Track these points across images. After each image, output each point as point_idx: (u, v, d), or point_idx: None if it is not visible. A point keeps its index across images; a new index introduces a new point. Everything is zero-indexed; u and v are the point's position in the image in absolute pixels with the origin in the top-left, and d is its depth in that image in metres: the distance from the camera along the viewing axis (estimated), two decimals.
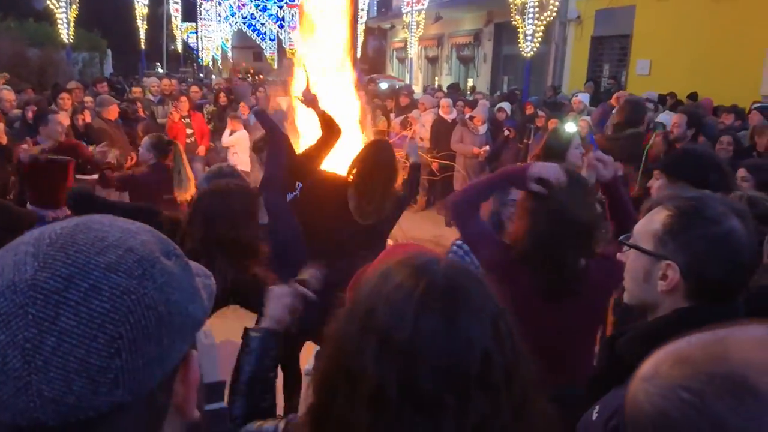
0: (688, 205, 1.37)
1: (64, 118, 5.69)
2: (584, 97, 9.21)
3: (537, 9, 13.05)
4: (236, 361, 1.60)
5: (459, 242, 2.74)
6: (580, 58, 14.51)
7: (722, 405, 0.60)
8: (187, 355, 0.68)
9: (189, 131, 8.34)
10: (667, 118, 5.96)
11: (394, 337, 0.88)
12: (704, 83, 10.40)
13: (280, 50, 31.43)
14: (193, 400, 0.69)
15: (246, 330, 1.65)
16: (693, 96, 10.34)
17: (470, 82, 19.84)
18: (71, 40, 14.98)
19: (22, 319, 0.58)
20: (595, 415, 1.31)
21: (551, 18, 13.22)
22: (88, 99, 8.00)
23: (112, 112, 7.27)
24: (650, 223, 1.41)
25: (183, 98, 8.68)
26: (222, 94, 10.01)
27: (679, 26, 11.39)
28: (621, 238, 1.50)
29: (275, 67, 31.76)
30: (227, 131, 8.19)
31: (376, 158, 3.35)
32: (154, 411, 0.65)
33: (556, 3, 13.01)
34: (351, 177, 3.41)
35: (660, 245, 1.36)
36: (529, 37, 13.19)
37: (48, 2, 14.61)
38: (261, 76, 23.62)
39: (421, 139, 9.22)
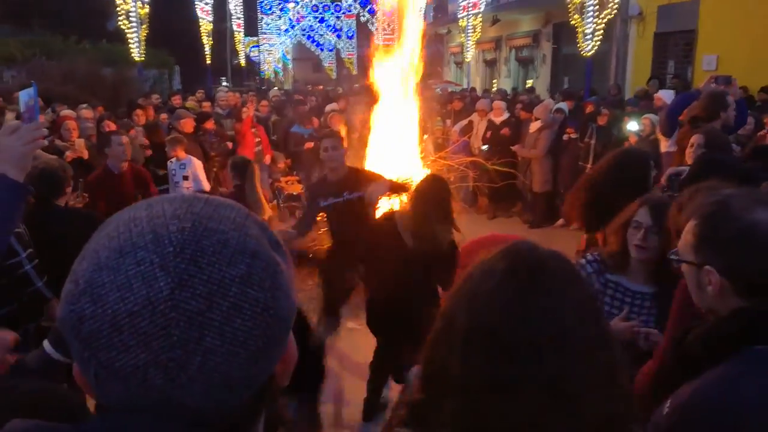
0: (710, 210, 1.42)
1: (125, 139, 5.50)
2: (666, 94, 8.65)
3: (597, 7, 12.81)
4: None
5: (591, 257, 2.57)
6: (643, 56, 14.14)
7: None
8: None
9: (257, 140, 8.70)
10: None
11: (479, 295, 1.03)
12: None
13: (339, 60, 31.90)
14: (288, 375, 0.72)
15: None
16: (765, 90, 9.93)
17: (529, 84, 19.62)
18: (142, 58, 15.75)
19: (165, 339, 0.58)
20: (666, 410, 1.37)
21: (612, 15, 12.96)
22: (163, 116, 8.40)
23: (187, 125, 7.60)
24: (686, 235, 1.47)
25: (245, 108, 9.07)
26: (287, 105, 10.58)
27: (746, 19, 10.96)
28: (670, 253, 1.55)
29: (334, 77, 32.26)
30: None
31: (431, 192, 3.61)
32: (264, 393, 0.68)
33: (617, 0, 12.75)
34: (408, 206, 3.68)
35: (696, 254, 1.42)
36: (588, 36, 12.96)
37: (119, 23, 15.41)
38: (320, 86, 24.06)
39: (478, 148, 9.24)
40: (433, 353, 1.08)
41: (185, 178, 6.45)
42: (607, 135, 7.87)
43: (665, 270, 2.14)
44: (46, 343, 1.64)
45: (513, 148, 8.73)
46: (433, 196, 3.57)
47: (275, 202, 8.68)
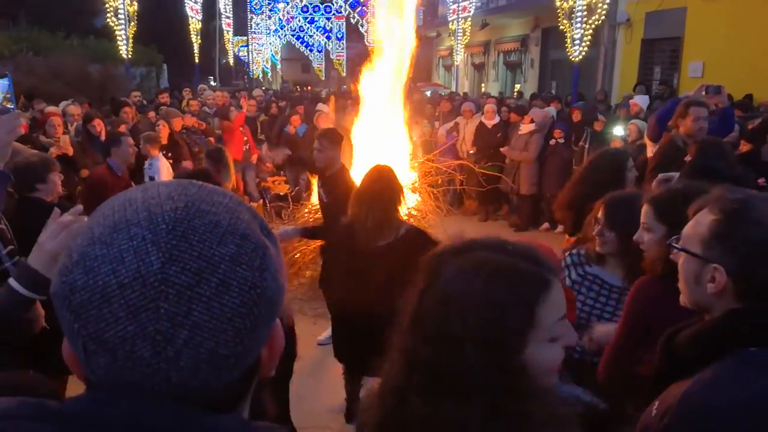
0: (733, 208, 1.37)
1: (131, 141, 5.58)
2: (641, 100, 8.80)
3: (585, 13, 12.92)
4: None
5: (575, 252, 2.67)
6: (630, 62, 14.27)
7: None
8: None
9: (244, 139, 8.70)
10: None
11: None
12: (760, 84, 10.11)
13: (328, 61, 31.90)
14: (274, 363, 0.73)
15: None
16: (749, 98, 10.06)
17: (517, 88, 19.74)
18: (130, 56, 15.64)
19: (153, 312, 0.59)
20: (653, 412, 1.36)
21: (600, 21, 13.07)
22: (151, 114, 8.32)
23: (176, 124, 7.52)
24: (697, 226, 1.42)
25: (232, 108, 9.05)
26: (273, 105, 10.59)
27: (732, 27, 11.11)
28: (671, 240, 1.51)
29: (323, 78, 32.25)
30: None
31: (370, 186, 3.39)
32: (250, 376, 0.69)
33: (605, 6, 12.86)
34: (352, 203, 3.42)
35: (707, 248, 1.37)
36: (577, 42, 13.07)
37: (108, 20, 15.30)
38: (309, 87, 24.06)
39: (465, 151, 9.26)
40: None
41: (151, 178, 6.23)
42: (600, 140, 7.95)
43: (637, 267, 2.22)
44: (11, 280, 1.63)
45: (503, 150, 8.76)
46: (371, 193, 3.36)
47: (261, 201, 8.65)
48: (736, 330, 1.32)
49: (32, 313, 1.63)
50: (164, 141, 6.83)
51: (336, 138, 4.69)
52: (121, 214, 0.64)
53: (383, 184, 3.41)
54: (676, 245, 1.47)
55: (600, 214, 2.48)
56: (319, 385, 4.34)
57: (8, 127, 1.76)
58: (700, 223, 1.41)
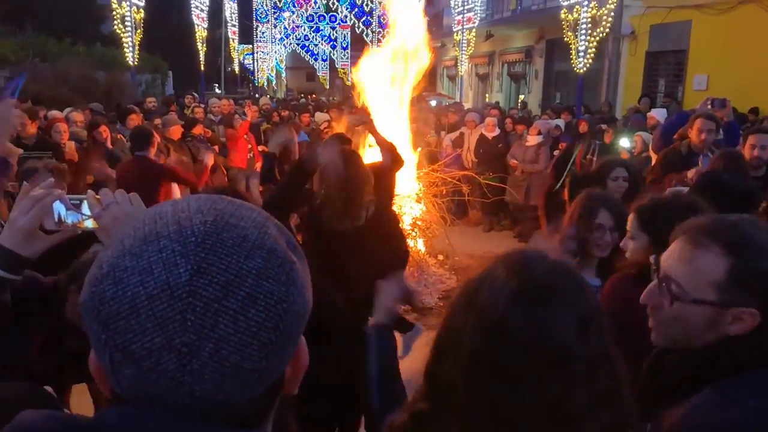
0: (734, 242, 1.27)
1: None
2: (659, 113, 8.69)
3: (590, 25, 12.94)
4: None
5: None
6: (635, 74, 14.28)
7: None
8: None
9: (248, 146, 8.73)
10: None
11: (489, 316, 1.02)
12: (766, 97, 10.11)
13: (332, 70, 32.01)
14: (298, 381, 0.72)
15: (364, 329, 1.76)
16: (754, 111, 10.06)
17: (521, 99, 19.77)
18: (136, 63, 15.71)
19: (180, 324, 0.60)
20: None
21: (604, 34, 13.09)
22: (157, 121, 8.33)
23: (176, 132, 7.53)
24: (698, 272, 1.29)
25: (238, 118, 9.08)
26: (275, 113, 10.68)
27: (737, 40, 11.11)
28: (673, 296, 1.33)
29: (327, 87, 32.35)
30: None
31: (342, 170, 3.24)
32: (274, 393, 0.69)
33: (609, 19, 12.88)
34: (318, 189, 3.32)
35: (724, 293, 1.26)
36: (581, 54, 13.08)
37: (115, 27, 15.38)
38: (314, 95, 24.12)
39: (471, 161, 9.27)
40: (437, 366, 1.08)
41: None
42: (609, 152, 7.92)
43: (610, 265, 2.25)
44: None
45: (512, 163, 8.76)
46: (336, 177, 3.22)
47: None
48: (731, 355, 1.29)
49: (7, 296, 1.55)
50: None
51: (346, 141, 4.71)
52: (151, 227, 0.65)
53: (349, 169, 3.26)
54: (686, 298, 1.30)
55: (604, 220, 2.48)
56: None
57: (7, 112, 1.75)
58: (701, 265, 1.28)
